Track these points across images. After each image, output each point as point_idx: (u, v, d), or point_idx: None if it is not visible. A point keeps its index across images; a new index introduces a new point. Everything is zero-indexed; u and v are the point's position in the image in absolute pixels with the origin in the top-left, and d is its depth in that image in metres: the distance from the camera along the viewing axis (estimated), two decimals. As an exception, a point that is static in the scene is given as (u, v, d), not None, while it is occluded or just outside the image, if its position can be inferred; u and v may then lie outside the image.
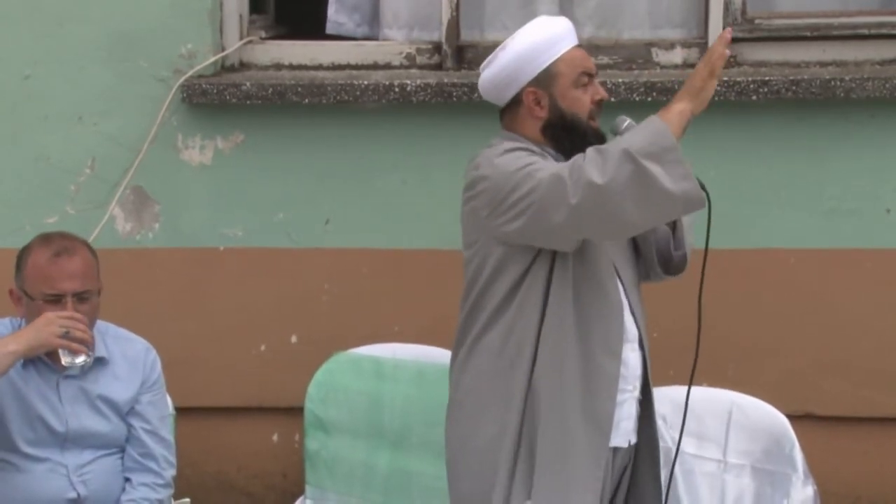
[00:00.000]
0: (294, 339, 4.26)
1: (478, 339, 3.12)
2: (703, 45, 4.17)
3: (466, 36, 4.27)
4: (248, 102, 4.12)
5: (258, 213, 4.21)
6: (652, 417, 3.26)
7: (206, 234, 4.24)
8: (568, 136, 3.10)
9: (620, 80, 4.03)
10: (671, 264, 3.29)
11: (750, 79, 4.00)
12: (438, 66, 4.24)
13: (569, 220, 2.88)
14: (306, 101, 4.10)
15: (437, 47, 4.24)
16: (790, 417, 3.70)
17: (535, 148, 3.09)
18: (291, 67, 4.31)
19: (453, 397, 3.21)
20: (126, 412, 3.55)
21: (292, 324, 4.25)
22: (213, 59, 4.18)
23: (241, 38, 4.29)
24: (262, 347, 4.28)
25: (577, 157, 2.90)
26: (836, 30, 4.16)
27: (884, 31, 4.14)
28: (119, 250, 4.22)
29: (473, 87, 4.01)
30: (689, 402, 3.75)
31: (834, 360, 4.12)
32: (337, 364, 4.03)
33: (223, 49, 4.25)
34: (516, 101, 3.13)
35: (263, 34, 4.38)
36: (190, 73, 4.15)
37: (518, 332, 3.06)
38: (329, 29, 4.40)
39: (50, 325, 3.28)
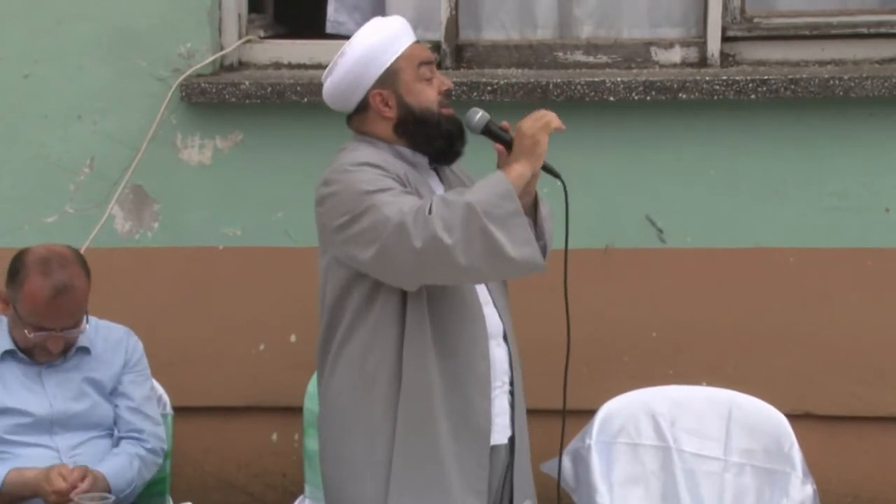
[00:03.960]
0: (293, 338, 4.26)
1: (339, 352, 3.09)
2: (702, 44, 4.17)
3: (465, 35, 4.27)
4: (246, 101, 4.11)
5: (257, 212, 4.21)
6: (522, 410, 3.24)
7: (206, 234, 4.23)
8: (421, 131, 3.09)
9: (619, 80, 4.02)
10: None
11: (749, 77, 4.00)
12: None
13: (413, 265, 2.90)
14: (305, 100, 4.09)
15: (435, 47, 4.24)
16: (789, 416, 3.70)
17: (388, 156, 3.07)
18: (290, 66, 4.31)
19: (321, 412, 3.19)
20: (110, 391, 3.57)
21: (291, 323, 4.24)
22: (211, 59, 4.18)
23: (240, 38, 4.28)
24: (262, 347, 4.28)
25: (423, 205, 2.89)
26: (835, 29, 4.16)
27: (882, 30, 4.14)
28: (118, 249, 4.22)
29: (472, 86, 4.02)
30: (689, 401, 3.77)
31: (833, 359, 4.12)
32: (336, 363, 4.03)
33: (222, 48, 4.25)
34: (363, 106, 3.11)
35: (262, 33, 4.38)
36: (189, 72, 4.14)
37: (378, 344, 3.04)
38: (329, 28, 4.39)
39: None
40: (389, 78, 3.07)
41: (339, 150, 3.13)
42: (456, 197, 2.91)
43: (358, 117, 3.15)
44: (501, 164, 3.10)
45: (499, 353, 3.15)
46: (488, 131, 3.12)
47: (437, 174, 3.20)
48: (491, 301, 3.15)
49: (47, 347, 3.45)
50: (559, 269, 3.11)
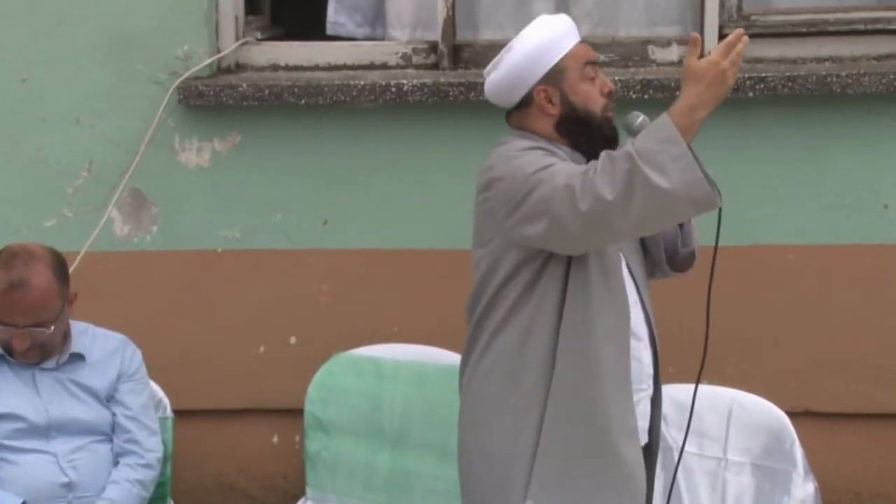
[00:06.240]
0: (293, 340, 4.26)
1: (491, 341, 3.09)
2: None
3: (462, 36, 4.27)
4: (244, 104, 4.11)
5: (256, 214, 4.21)
6: (659, 416, 3.26)
7: (204, 236, 4.23)
8: (583, 131, 3.09)
9: (617, 78, 4.01)
10: (677, 261, 3.27)
11: (746, 75, 4.00)
12: (435, 66, 4.24)
13: (583, 229, 2.86)
14: (303, 101, 4.10)
15: (433, 47, 4.24)
16: (790, 414, 3.70)
17: (549, 147, 3.07)
18: (288, 68, 4.31)
19: (465, 400, 3.17)
20: (106, 398, 3.59)
21: (291, 325, 4.25)
22: (209, 61, 4.18)
23: (238, 40, 4.28)
24: (262, 349, 4.28)
25: (591, 165, 2.87)
26: (833, 25, 4.16)
27: (879, 26, 4.14)
28: (117, 253, 4.22)
29: (470, 87, 4.02)
30: (690, 399, 3.76)
31: (833, 356, 4.12)
32: (336, 365, 4.03)
33: (219, 51, 4.24)
34: (526, 101, 3.11)
35: (259, 35, 4.38)
36: (186, 74, 4.14)
37: (536, 333, 3.03)
38: (329, 30, 4.40)
39: None
40: (555, 75, 3.07)
41: (497, 144, 3.12)
42: (621, 150, 2.85)
43: (518, 113, 3.14)
44: None
45: (645, 356, 3.15)
46: None
47: None
48: (640, 302, 3.15)
49: (12, 344, 3.44)
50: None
